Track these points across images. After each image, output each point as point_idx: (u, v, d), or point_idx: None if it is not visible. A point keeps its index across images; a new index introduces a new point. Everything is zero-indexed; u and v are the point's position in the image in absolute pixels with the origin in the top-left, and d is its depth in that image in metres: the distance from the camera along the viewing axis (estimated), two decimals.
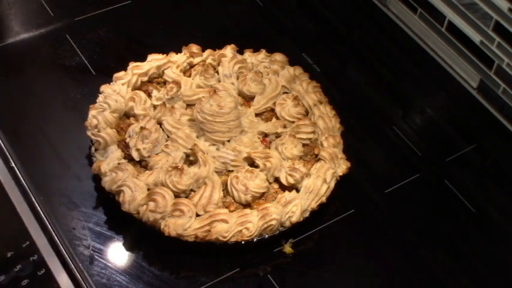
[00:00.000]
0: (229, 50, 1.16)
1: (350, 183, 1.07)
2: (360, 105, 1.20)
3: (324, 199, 1.01)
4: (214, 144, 1.03)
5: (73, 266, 0.93)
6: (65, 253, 0.94)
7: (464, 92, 1.23)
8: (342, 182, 1.04)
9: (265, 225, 0.96)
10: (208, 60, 1.15)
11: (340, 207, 1.04)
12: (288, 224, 0.98)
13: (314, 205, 1.00)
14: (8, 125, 1.09)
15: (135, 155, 1.01)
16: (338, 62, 1.29)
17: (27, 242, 0.94)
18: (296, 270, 0.97)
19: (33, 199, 1.00)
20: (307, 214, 0.99)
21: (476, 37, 1.16)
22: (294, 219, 0.97)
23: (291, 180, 1.00)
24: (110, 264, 0.95)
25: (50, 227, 0.97)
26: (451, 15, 1.19)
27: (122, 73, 1.10)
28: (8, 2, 1.29)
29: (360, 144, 1.13)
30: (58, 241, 0.96)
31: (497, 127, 1.18)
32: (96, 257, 0.95)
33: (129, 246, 0.97)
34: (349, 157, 1.06)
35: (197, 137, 1.04)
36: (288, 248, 0.99)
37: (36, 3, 1.29)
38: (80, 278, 0.92)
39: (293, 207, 0.98)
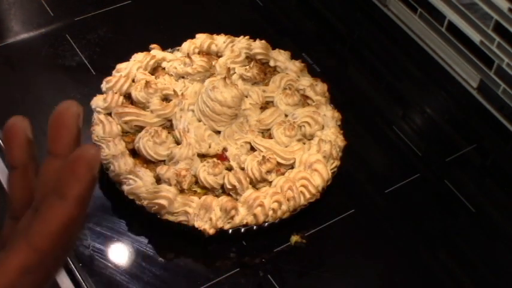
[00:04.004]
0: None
1: (350, 183, 1.07)
2: (360, 105, 1.20)
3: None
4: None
5: (73, 266, 0.93)
6: None
7: (464, 92, 1.23)
8: (342, 182, 1.05)
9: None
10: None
11: (340, 207, 1.04)
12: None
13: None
14: None
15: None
16: (338, 62, 1.29)
17: None
18: (296, 270, 0.97)
19: None
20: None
21: (476, 37, 1.15)
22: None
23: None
24: (110, 264, 0.95)
25: None
26: (451, 15, 1.19)
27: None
28: (8, 2, 1.29)
29: (360, 144, 1.13)
30: None
31: (497, 127, 1.18)
32: (96, 257, 0.95)
33: (129, 246, 0.97)
34: (349, 157, 1.06)
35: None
36: (294, 238, 0.98)
37: (36, 3, 1.29)
38: (80, 278, 0.92)
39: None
